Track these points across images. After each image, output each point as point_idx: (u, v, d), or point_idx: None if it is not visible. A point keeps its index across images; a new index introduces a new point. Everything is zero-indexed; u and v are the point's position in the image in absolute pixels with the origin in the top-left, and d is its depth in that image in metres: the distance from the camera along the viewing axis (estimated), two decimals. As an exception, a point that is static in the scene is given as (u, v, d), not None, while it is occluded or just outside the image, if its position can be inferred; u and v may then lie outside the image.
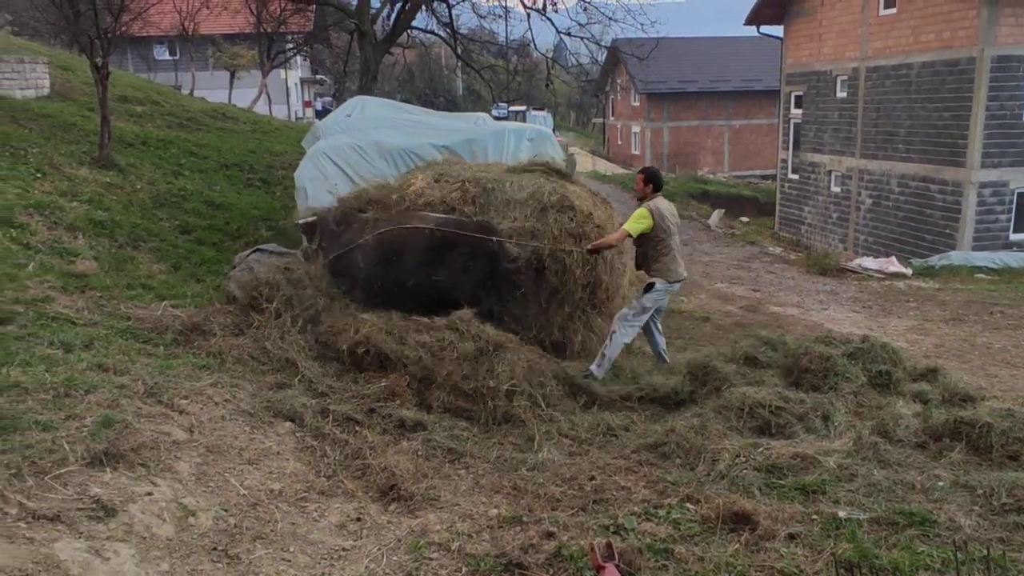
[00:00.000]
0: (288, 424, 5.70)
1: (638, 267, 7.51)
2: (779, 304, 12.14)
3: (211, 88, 33.24)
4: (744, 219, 24.28)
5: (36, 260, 8.39)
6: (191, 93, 30.28)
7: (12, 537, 3.39)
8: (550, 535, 4.39)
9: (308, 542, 4.24)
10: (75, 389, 5.09)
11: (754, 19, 24.47)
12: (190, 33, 29.14)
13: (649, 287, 7.22)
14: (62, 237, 9.27)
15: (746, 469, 5.18)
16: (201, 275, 9.63)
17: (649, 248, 7.21)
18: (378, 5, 20.82)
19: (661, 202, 7.22)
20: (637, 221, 7.07)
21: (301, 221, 8.85)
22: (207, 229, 11.54)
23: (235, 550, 3.97)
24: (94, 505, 3.84)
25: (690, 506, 4.74)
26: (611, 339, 7.19)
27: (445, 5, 21.48)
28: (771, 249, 18.32)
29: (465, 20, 24.43)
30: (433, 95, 51.55)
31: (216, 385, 5.93)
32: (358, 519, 4.57)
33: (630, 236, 7.19)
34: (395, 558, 4.17)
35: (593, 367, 7.16)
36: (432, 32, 22.59)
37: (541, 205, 7.79)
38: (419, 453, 5.53)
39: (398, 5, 19.90)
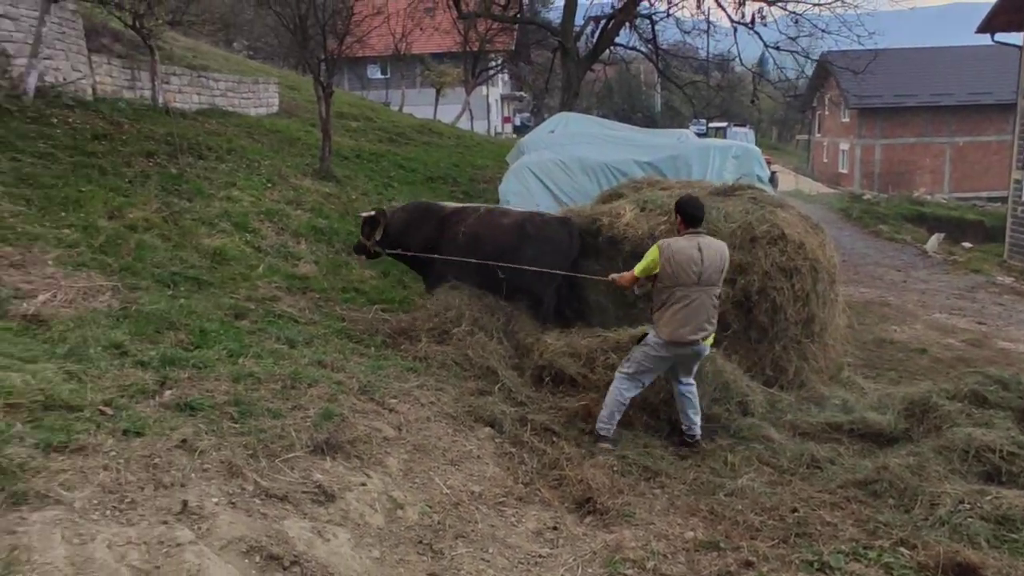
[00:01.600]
0: (488, 429, 5.87)
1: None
2: (1010, 340, 11.01)
3: (418, 105, 35.10)
4: (967, 245, 22.27)
5: (266, 262, 9.20)
6: (400, 109, 32.12)
7: (249, 511, 3.72)
8: (749, 564, 4.24)
9: (506, 545, 4.34)
10: (299, 382, 5.52)
11: (988, 26, 22.46)
12: (402, 53, 30.89)
13: (642, 337, 5.97)
14: (288, 242, 10.11)
15: (971, 517, 4.73)
16: (407, 282, 10.16)
17: (655, 292, 5.80)
18: (582, 22, 21.07)
19: (687, 241, 5.68)
20: (643, 260, 5.80)
21: (363, 214, 9.03)
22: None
23: (439, 545, 4.14)
24: (316, 490, 4.14)
25: (904, 551, 4.40)
26: (608, 396, 6.00)
27: (648, 21, 21.45)
28: (1000, 279, 16.66)
29: (667, 35, 24.26)
30: (631, 111, 51.50)
31: (422, 387, 6.22)
32: (554, 528, 4.62)
33: (637, 279, 5.90)
34: (590, 570, 4.18)
35: (599, 426, 5.99)
36: (634, 48, 22.59)
37: (750, 236, 7.35)
38: (614, 468, 5.51)
39: (602, 22, 20.05)
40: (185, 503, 3.53)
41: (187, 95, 16.49)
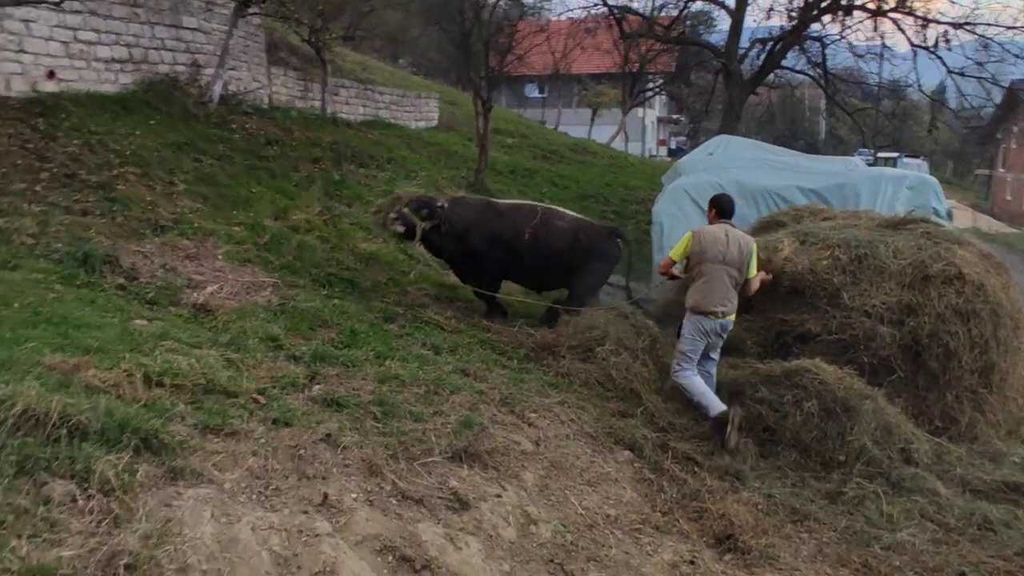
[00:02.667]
0: (627, 453, 5.70)
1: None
2: None
3: (573, 124, 35.26)
4: None
5: (416, 269, 9.40)
6: (555, 128, 32.38)
7: (386, 510, 3.74)
8: (905, 627, 3.86)
9: (640, 574, 4.16)
10: (442, 388, 5.56)
11: None
12: (561, 73, 31.14)
13: (680, 327, 6.60)
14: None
15: None
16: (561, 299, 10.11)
17: (688, 273, 6.65)
18: (747, 44, 20.50)
19: (716, 227, 6.58)
20: (678, 244, 6.72)
21: (408, 197, 8.66)
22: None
23: (570, 567, 4.01)
24: (452, 497, 4.12)
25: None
26: (686, 392, 6.41)
27: (818, 44, 20.58)
28: None
29: (838, 59, 23.21)
30: (792, 137, 49.64)
31: (563, 404, 6.13)
32: (691, 562, 4.39)
33: (674, 262, 6.73)
34: (728, 613, 3.93)
35: (711, 416, 6.17)
36: (801, 72, 21.74)
37: (922, 274, 6.82)
38: (759, 507, 5.20)
39: (769, 44, 19.42)
40: (326, 496, 3.59)
41: (354, 106, 17.27)
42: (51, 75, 9.78)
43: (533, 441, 5.29)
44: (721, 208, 6.75)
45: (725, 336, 6.56)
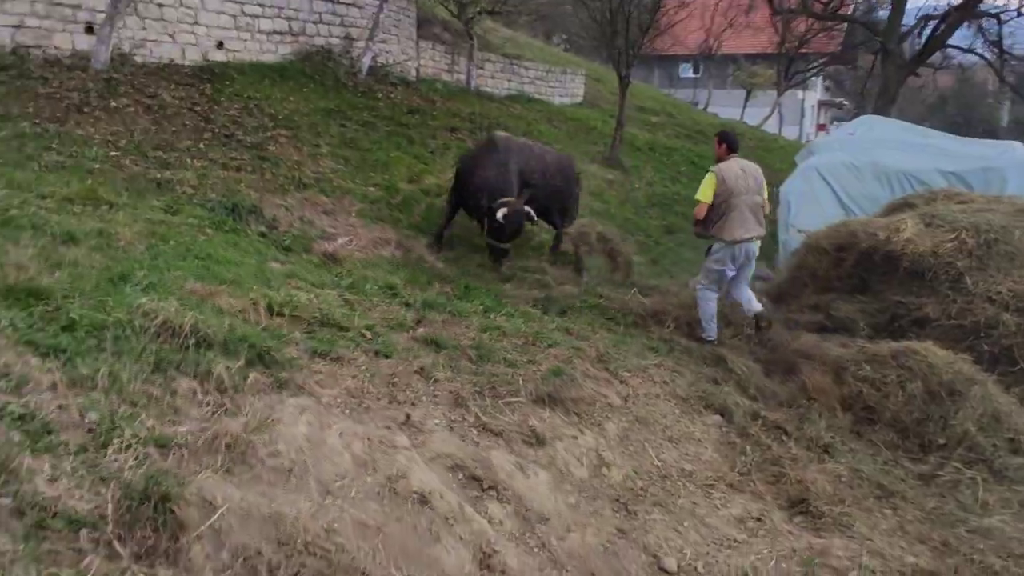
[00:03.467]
0: (717, 417, 5.82)
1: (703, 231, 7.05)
2: None
3: (725, 105, 34.40)
4: None
5: (539, 238, 9.74)
6: (704, 109, 31.76)
7: (464, 437, 4.12)
8: (972, 605, 3.86)
9: (703, 523, 4.34)
10: (541, 341, 5.89)
11: None
12: (713, 52, 30.49)
13: (708, 249, 7.00)
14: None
15: None
16: (675, 272, 10.19)
17: (712, 210, 6.79)
18: (911, 22, 19.40)
19: (731, 163, 6.82)
20: (705, 187, 6.79)
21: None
22: (691, 233, 12.11)
23: (635, 507, 4.26)
24: (529, 433, 4.45)
25: None
26: (698, 306, 7.04)
27: (995, 21, 19.19)
28: None
29: (1020, 38, 21.52)
30: (966, 124, 46.17)
31: (659, 367, 6.31)
32: (758, 519, 4.52)
33: (709, 204, 6.77)
34: (784, 566, 4.06)
35: (704, 335, 6.97)
36: (973, 52, 20.35)
37: None
38: (842, 479, 5.21)
39: (933, 22, 18.31)
40: (408, 416, 4.01)
41: (498, 80, 17.75)
42: (220, 45, 10.78)
43: (622, 397, 5.52)
44: (731, 143, 6.99)
45: (754, 259, 7.07)
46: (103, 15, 8.85)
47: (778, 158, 21.88)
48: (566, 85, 21.17)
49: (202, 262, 5.37)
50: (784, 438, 5.66)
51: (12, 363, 3.20)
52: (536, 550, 3.61)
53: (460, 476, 3.80)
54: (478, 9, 14.83)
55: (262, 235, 6.84)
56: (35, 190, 5.96)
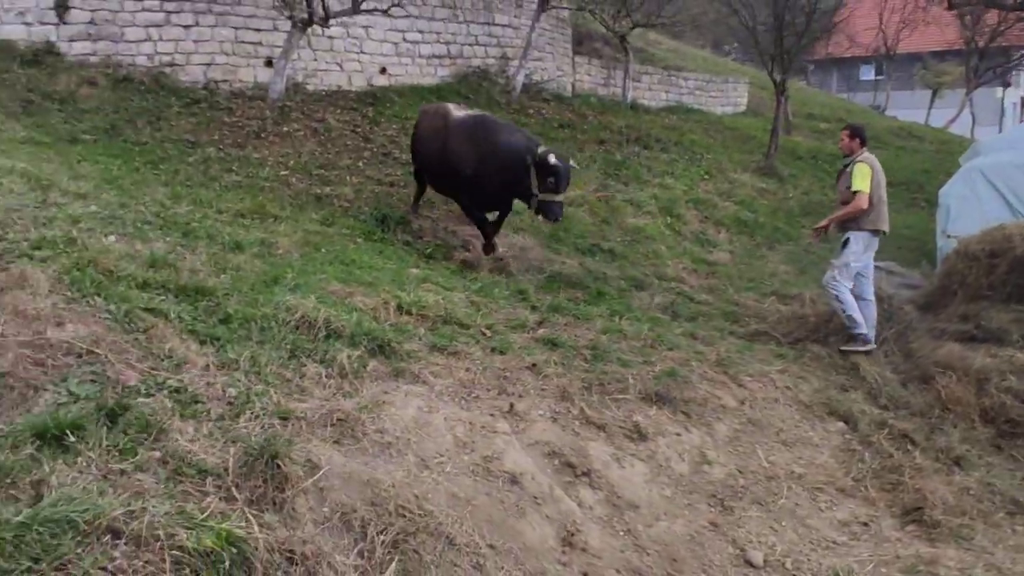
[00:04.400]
0: (840, 424, 5.74)
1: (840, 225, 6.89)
2: None
3: (910, 108, 32.38)
4: None
5: (681, 246, 9.83)
6: (883, 112, 30.12)
7: (564, 428, 4.41)
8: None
9: (802, 524, 4.37)
10: (660, 344, 6.06)
11: None
12: (891, 51, 28.91)
13: (845, 242, 6.76)
14: (708, 230, 10.61)
15: None
16: (815, 275, 9.93)
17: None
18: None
19: (871, 155, 6.80)
20: (862, 177, 6.58)
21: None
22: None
23: (731, 503, 4.36)
24: (631, 428, 4.66)
25: None
26: (837, 303, 6.67)
27: None
28: None
29: None
30: None
31: (784, 373, 6.28)
32: (865, 524, 4.49)
33: (866, 193, 6.54)
34: (883, 570, 4.03)
35: (855, 332, 6.62)
36: None
37: None
38: (970, 491, 5.02)
39: None
40: (512, 405, 4.35)
41: (656, 92, 17.85)
42: (383, 71, 11.68)
43: (738, 400, 5.59)
44: (863, 137, 6.90)
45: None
46: (279, 50, 9.90)
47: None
48: (728, 94, 20.88)
49: (346, 267, 5.98)
50: (910, 447, 5.50)
51: (176, 347, 3.84)
52: (621, 534, 3.82)
53: (555, 462, 4.08)
54: (632, 24, 15.03)
55: (406, 244, 7.45)
56: (215, 206, 6.84)
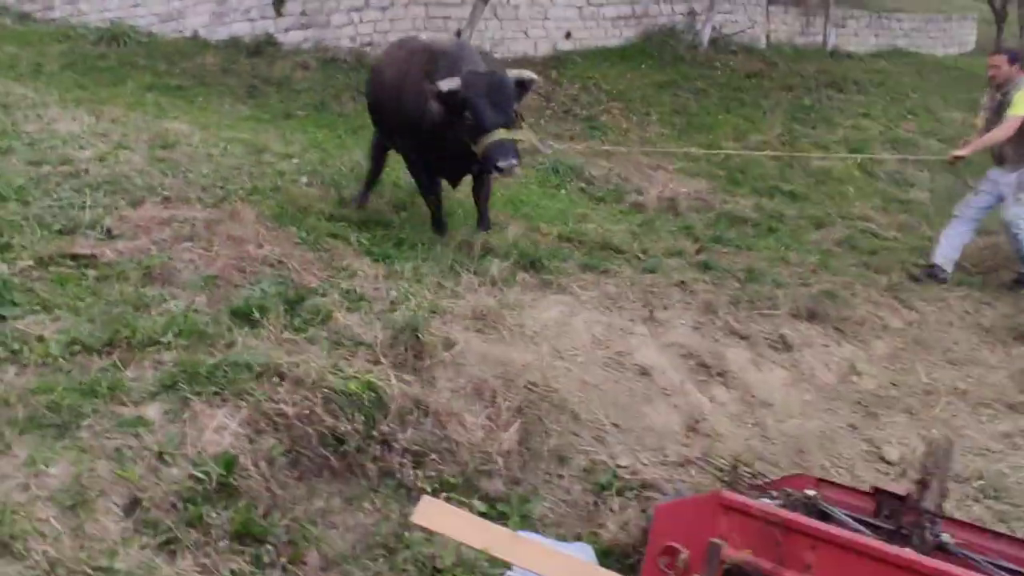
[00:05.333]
0: (1025, 348, 5.43)
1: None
2: None
3: None
4: None
5: (872, 186, 9.42)
6: None
7: (703, 335, 4.59)
8: None
9: (959, 434, 4.25)
10: (825, 270, 6.03)
11: None
12: None
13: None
14: (907, 169, 10.02)
15: None
16: None
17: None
18: None
19: None
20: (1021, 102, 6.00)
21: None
22: None
23: (877, 410, 4.35)
24: (777, 339, 4.75)
25: None
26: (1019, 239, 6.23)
27: None
28: None
29: None
30: None
31: (965, 299, 5.99)
32: (1031, 434, 4.29)
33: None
34: (1038, 475, 3.87)
35: None
36: None
37: None
38: None
39: None
40: (651, 311, 4.61)
41: (863, 37, 16.80)
42: (568, 36, 12.07)
43: (905, 322, 5.45)
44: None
45: None
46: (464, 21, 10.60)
47: None
48: (951, 33, 19.19)
49: (514, 206, 6.46)
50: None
51: (353, 263, 4.51)
52: (750, 425, 3.98)
53: (690, 363, 4.29)
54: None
55: (581, 190, 7.81)
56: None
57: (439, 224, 5.29)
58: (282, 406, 2.91)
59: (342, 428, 2.94)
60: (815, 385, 4.49)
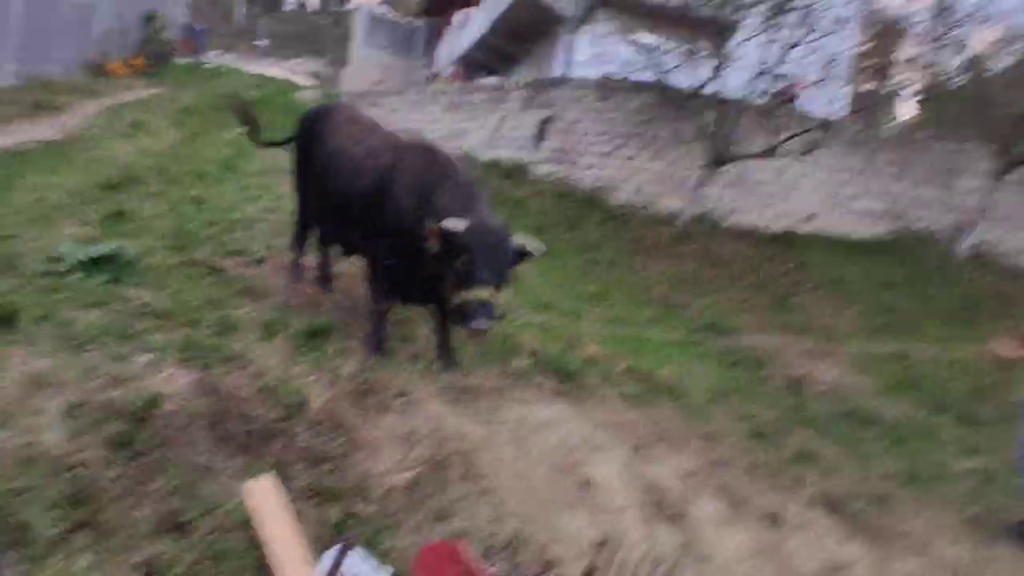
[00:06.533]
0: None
1: None
2: None
3: None
4: None
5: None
6: None
7: (683, 483, 4.65)
8: None
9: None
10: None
11: None
12: None
13: None
14: None
15: None
16: None
17: None
18: None
19: None
20: None
21: None
22: None
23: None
24: (767, 515, 4.63)
25: None
26: None
27: None
28: None
29: None
30: None
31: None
32: None
33: None
34: None
35: None
36: None
37: None
38: None
39: None
40: (638, 445, 4.78)
41: None
42: (808, 219, 12.13)
43: None
44: None
45: None
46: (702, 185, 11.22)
47: None
48: None
49: (624, 339, 6.86)
50: None
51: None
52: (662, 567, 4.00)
53: (648, 496, 4.41)
54: None
55: (721, 350, 7.92)
56: (570, 285, 8.34)
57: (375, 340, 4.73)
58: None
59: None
60: (786, 569, 4.32)
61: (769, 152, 10.81)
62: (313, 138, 5.15)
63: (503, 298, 4.36)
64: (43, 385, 3.36)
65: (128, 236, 5.40)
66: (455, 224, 4.16)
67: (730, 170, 11.34)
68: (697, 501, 4.48)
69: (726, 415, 5.80)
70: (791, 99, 11.93)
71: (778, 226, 11.87)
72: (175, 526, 2.94)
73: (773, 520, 4.60)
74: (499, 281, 4.22)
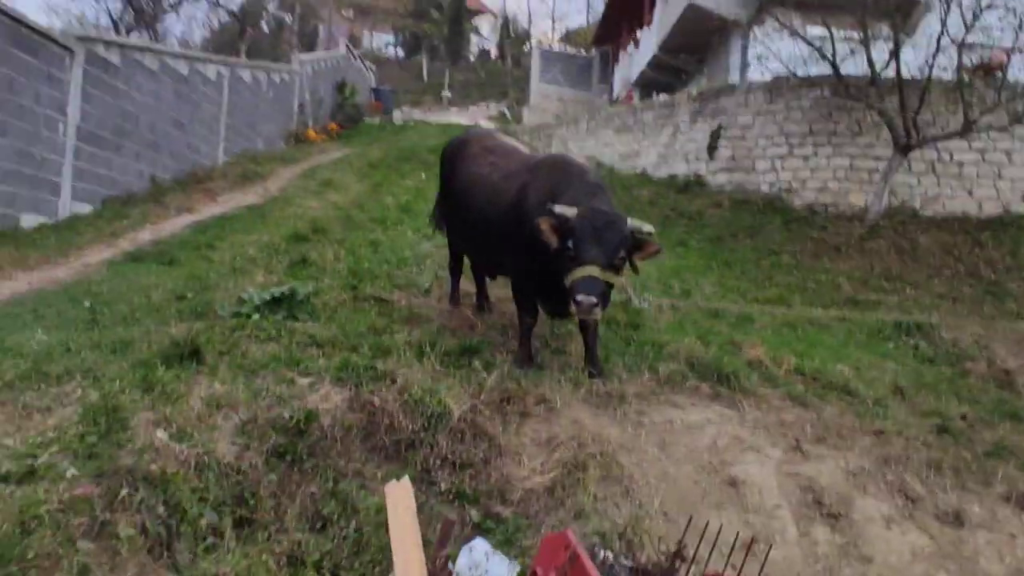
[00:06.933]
0: None
1: None
2: None
3: None
4: None
5: None
6: None
7: (847, 480, 4.39)
8: None
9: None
10: None
11: None
12: None
13: None
14: None
15: None
16: None
17: None
18: None
19: None
20: None
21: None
22: None
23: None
24: (949, 512, 4.26)
25: None
26: None
27: None
28: None
29: None
30: None
31: None
32: None
33: None
34: None
35: None
36: None
37: None
38: None
39: None
40: (799, 442, 4.57)
41: None
42: (1024, 198, 10.94)
43: None
44: None
45: None
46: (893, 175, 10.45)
47: None
48: None
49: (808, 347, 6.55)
50: None
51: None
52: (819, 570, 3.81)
53: (805, 496, 4.21)
54: None
55: (914, 346, 7.34)
56: (741, 290, 8.12)
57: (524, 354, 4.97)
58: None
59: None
60: (967, 569, 3.95)
61: (967, 129, 9.88)
62: (451, 170, 5.54)
63: (620, 281, 4.57)
64: (220, 405, 3.84)
65: (308, 279, 5.99)
66: (564, 210, 4.40)
67: (923, 155, 10.49)
68: (862, 500, 4.23)
69: (906, 412, 5.40)
70: (997, 68, 10.78)
71: (990, 210, 10.76)
72: (319, 522, 3.26)
73: (955, 519, 4.24)
74: (607, 260, 4.35)
